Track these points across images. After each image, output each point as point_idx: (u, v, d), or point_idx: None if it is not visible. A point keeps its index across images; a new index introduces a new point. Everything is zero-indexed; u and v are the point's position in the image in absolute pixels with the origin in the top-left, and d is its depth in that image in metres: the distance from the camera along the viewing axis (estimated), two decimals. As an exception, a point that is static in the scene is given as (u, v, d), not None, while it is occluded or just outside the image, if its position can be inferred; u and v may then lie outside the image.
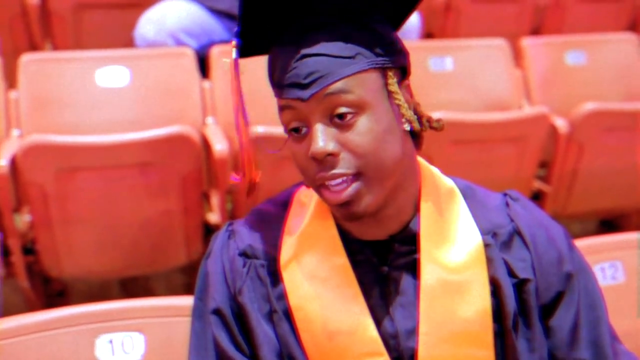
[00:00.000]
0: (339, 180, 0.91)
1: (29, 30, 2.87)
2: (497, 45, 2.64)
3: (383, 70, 0.93)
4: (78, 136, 1.89)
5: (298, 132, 0.93)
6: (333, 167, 0.91)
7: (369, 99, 0.91)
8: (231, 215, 2.13)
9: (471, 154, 2.04)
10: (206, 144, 2.12)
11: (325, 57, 0.90)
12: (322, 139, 0.90)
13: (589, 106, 2.26)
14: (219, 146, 2.02)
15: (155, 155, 1.91)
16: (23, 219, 2.05)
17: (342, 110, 0.90)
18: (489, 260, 0.98)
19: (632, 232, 1.52)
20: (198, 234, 2.10)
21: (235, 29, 0.95)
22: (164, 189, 1.97)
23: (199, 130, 2.16)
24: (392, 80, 0.94)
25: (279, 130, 1.84)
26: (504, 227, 1.01)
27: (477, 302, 0.97)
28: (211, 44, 2.46)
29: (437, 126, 0.99)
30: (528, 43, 2.72)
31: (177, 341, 1.18)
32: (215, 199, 2.16)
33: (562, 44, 2.77)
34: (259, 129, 1.91)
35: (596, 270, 1.42)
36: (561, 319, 1.00)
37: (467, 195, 1.03)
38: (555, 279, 1.00)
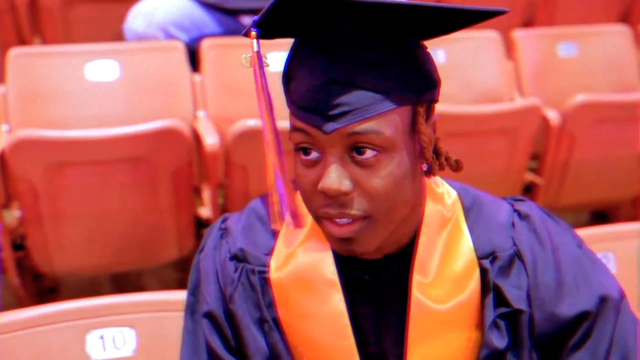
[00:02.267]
0: (345, 220, 0.84)
1: (17, 24, 2.85)
2: (489, 38, 2.63)
3: (414, 107, 0.84)
4: (67, 131, 1.88)
5: (307, 154, 0.84)
6: (342, 206, 0.82)
7: (396, 140, 0.82)
8: (223, 210, 2.12)
9: (463, 147, 2.04)
10: (197, 138, 2.11)
11: (358, 88, 0.80)
12: (337, 175, 0.81)
13: (581, 98, 2.25)
14: (210, 140, 2.01)
15: (145, 150, 1.90)
16: (13, 215, 2.04)
17: (366, 148, 0.81)
18: (482, 288, 0.93)
19: (624, 223, 1.52)
20: (190, 228, 2.09)
21: (254, 18, 0.83)
22: (154, 184, 1.96)
23: (189, 124, 2.15)
24: (422, 119, 0.85)
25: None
26: (504, 251, 0.94)
27: (465, 332, 0.94)
28: (201, 37, 2.45)
29: (454, 166, 0.91)
30: (520, 35, 2.72)
31: (169, 336, 1.17)
32: (206, 194, 2.15)
33: (554, 36, 2.76)
34: (249, 122, 1.91)
35: (588, 261, 1.42)
36: None
37: (472, 210, 0.97)
38: (559, 309, 0.93)
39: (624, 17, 3.36)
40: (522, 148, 2.24)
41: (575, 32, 2.80)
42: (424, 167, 0.89)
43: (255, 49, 0.82)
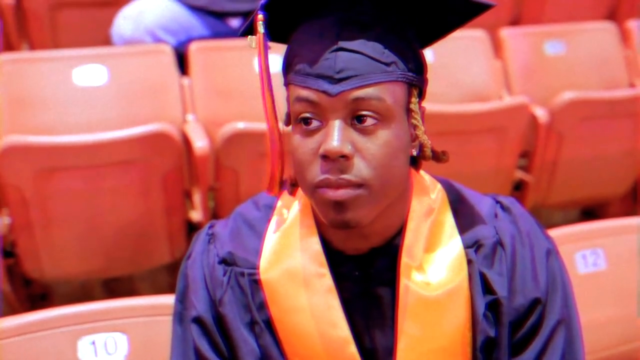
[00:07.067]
0: (342, 190, 0.87)
1: (4, 30, 2.83)
2: (477, 37, 2.64)
3: (409, 87, 0.90)
4: (56, 136, 1.87)
5: (308, 124, 0.88)
6: (342, 171, 0.86)
7: (394, 111, 0.88)
8: (213, 213, 2.12)
9: (452, 146, 2.02)
10: (187, 142, 2.11)
11: (363, 56, 0.86)
12: (340, 138, 0.85)
13: (569, 95, 2.27)
14: (200, 143, 2.01)
15: (135, 154, 1.89)
16: (3, 221, 2.03)
17: (367, 114, 0.86)
18: (470, 277, 0.96)
19: (614, 219, 1.53)
20: (181, 232, 2.09)
21: (262, 1, 0.88)
22: (145, 188, 1.96)
23: (179, 128, 2.15)
24: (415, 99, 0.91)
25: (259, 126, 1.84)
26: (488, 239, 0.98)
27: (455, 319, 0.95)
28: (189, 40, 2.44)
29: (441, 157, 0.97)
30: (507, 34, 2.73)
31: (161, 340, 1.17)
32: (197, 197, 2.15)
33: (541, 34, 2.78)
34: (239, 125, 1.91)
35: (577, 257, 1.43)
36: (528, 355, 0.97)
37: (456, 202, 1.01)
38: (525, 301, 0.97)
39: (611, 15, 3.38)
40: (511, 146, 2.25)
41: (563, 30, 2.81)
42: (414, 151, 0.93)
43: (261, 31, 0.89)
